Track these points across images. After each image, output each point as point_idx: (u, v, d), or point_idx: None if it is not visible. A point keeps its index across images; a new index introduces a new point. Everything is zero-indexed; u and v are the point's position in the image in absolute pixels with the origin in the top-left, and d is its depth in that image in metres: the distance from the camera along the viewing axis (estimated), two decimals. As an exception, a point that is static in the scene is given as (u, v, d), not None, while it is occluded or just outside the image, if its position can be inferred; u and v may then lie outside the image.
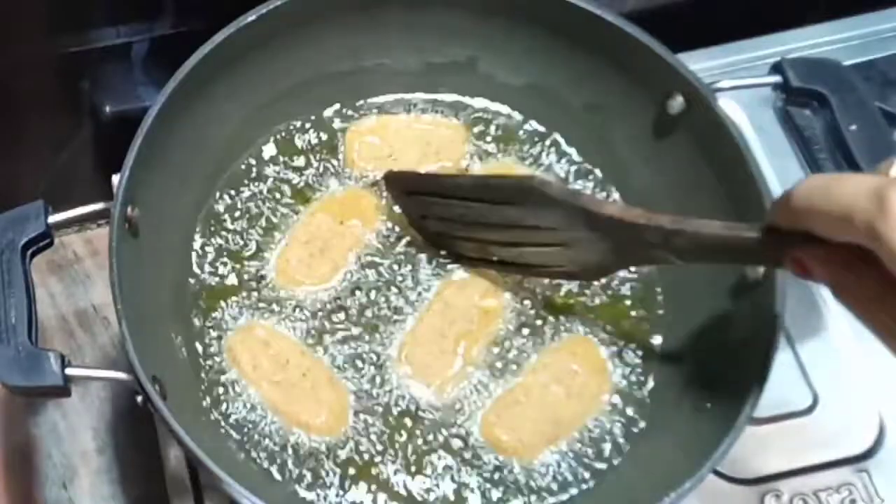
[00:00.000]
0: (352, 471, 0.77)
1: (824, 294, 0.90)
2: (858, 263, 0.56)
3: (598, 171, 0.87)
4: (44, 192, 0.78)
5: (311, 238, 0.84)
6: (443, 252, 0.83)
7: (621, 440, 0.78)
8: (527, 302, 0.82)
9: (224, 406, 0.78)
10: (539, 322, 0.82)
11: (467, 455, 0.77)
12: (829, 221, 0.55)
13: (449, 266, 0.83)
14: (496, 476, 0.77)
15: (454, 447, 0.78)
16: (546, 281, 0.83)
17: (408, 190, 0.83)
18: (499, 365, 0.80)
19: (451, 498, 0.76)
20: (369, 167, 0.87)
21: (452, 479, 0.77)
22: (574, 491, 0.77)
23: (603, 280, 0.83)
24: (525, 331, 0.82)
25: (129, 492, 0.93)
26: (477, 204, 0.77)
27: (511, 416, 0.78)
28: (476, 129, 0.89)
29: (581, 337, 0.82)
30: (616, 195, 0.87)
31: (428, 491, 0.76)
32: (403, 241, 0.84)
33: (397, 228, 0.84)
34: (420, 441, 0.78)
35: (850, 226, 0.53)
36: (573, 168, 0.88)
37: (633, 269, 0.84)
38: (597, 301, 0.83)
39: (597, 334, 0.82)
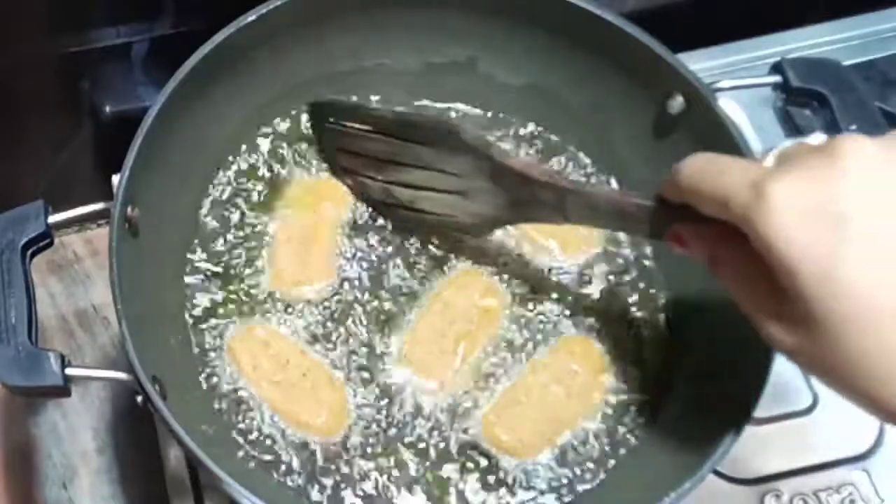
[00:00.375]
0: (352, 470, 0.77)
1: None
2: (733, 240, 0.58)
3: (598, 171, 0.88)
4: (44, 192, 0.78)
5: (294, 238, 0.84)
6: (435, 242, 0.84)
7: (621, 440, 0.78)
8: (527, 302, 0.82)
9: (224, 406, 0.78)
10: (539, 322, 0.82)
11: (467, 455, 0.77)
12: (709, 202, 0.58)
13: (448, 264, 0.83)
14: (496, 476, 0.77)
15: (454, 447, 0.78)
16: (546, 282, 0.83)
17: (328, 118, 0.85)
18: (499, 364, 0.80)
19: (451, 498, 0.76)
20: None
21: (452, 478, 0.77)
22: (574, 491, 0.77)
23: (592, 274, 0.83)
24: (525, 331, 0.82)
25: (129, 492, 0.93)
26: (392, 140, 0.80)
27: (511, 416, 0.78)
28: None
29: (580, 337, 0.82)
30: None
31: (428, 490, 0.76)
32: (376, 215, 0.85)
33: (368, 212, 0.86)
34: (420, 441, 0.78)
35: (727, 210, 0.56)
36: (573, 167, 0.88)
37: (633, 270, 0.84)
38: (597, 301, 0.83)
39: (596, 334, 0.82)
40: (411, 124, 0.80)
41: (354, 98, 0.89)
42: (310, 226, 0.84)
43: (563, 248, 0.84)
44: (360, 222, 0.85)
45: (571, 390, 0.79)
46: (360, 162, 0.84)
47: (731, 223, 0.57)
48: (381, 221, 0.85)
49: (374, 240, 0.84)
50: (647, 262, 0.84)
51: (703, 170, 0.60)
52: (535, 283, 0.83)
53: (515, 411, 0.78)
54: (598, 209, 0.69)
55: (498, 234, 0.84)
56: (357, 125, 0.82)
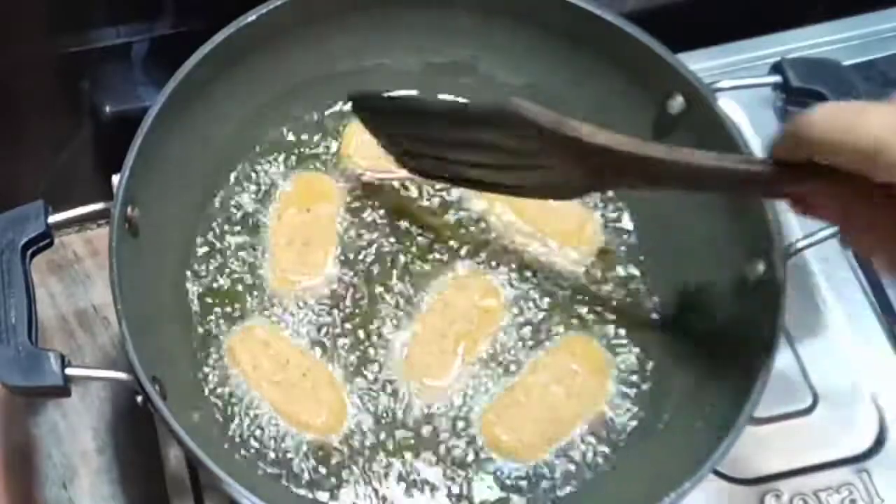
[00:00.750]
0: (352, 470, 0.77)
1: (824, 294, 0.90)
2: (869, 198, 0.53)
3: (598, 171, 0.88)
4: (44, 192, 0.78)
5: (291, 237, 0.84)
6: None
7: (621, 440, 0.78)
8: (527, 302, 0.82)
9: (224, 406, 0.78)
10: (539, 322, 0.82)
11: (467, 455, 0.77)
12: (851, 155, 0.51)
13: (448, 264, 0.83)
14: (495, 476, 0.77)
15: (454, 448, 0.78)
16: (546, 281, 0.83)
17: (377, 111, 0.81)
18: (499, 365, 0.80)
19: (451, 500, 0.76)
20: (363, 164, 0.87)
21: (451, 478, 0.77)
22: (574, 491, 0.77)
23: (600, 276, 0.83)
24: (525, 331, 0.82)
25: (129, 492, 0.93)
26: (448, 128, 0.75)
27: (511, 416, 0.78)
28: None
29: (581, 336, 0.82)
30: (618, 194, 0.87)
31: (428, 490, 0.76)
32: (371, 212, 0.85)
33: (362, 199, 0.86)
34: (420, 441, 0.78)
35: (875, 162, 0.50)
36: (573, 168, 0.88)
37: (634, 270, 0.84)
38: (597, 300, 0.83)
39: (597, 334, 0.82)
40: (465, 115, 0.75)
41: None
42: (307, 224, 0.84)
43: (562, 248, 0.84)
44: (356, 220, 0.85)
45: (571, 390, 0.79)
46: (415, 146, 0.79)
47: (868, 179, 0.51)
48: (377, 219, 0.85)
49: (371, 237, 0.84)
50: (646, 260, 0.84)
51: (839, 117, 0.52)
52: (535, 283, 0.83)
53: (515, 411, 0.78)
54: (697, 175, 0.64)
55: (496, 233, 0.84)
56: (409, 122, 0.78)
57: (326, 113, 0.89)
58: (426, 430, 0.78)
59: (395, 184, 0.87)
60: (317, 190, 0.86)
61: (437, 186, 0.86)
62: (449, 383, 0.79)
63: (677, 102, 0.81)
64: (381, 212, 0.86)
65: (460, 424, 0.78)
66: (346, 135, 0.88)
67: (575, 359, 0.80)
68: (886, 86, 0.99)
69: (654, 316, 0.83)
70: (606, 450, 0.78)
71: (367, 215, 0.85)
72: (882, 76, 1.00)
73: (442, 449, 0.77)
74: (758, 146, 0.92)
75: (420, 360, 0.80)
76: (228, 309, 0.82)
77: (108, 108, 1.07)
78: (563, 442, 0.78)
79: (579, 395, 0.79)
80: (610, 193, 0.87)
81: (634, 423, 0.79)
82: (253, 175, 0.87)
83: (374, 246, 0.84)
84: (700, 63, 0.91)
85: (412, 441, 0.78)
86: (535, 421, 0.78)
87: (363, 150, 0.87)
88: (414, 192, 0.86)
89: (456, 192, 0.86)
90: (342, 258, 0.84)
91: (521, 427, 0.78)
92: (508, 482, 0.77)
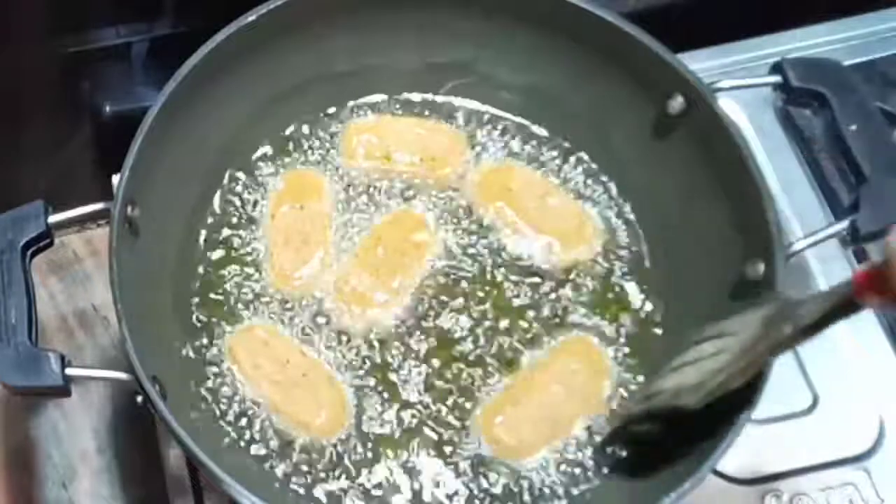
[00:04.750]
0: (352, 470, 0.77)
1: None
2: None
3: (598, 171, 0.88)
4: (44, 192, 0.78)
5: (288, 236, 0.84)
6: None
7: (622, 440, 0.78)
8: (528, 310, 0.82)
9: (224, 406, 0.78)
10: (538, 323, 0.82)
11: (467, 455, 0.77)
12: None
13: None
14: (496, 473, 0.77)
15: (455, 448, 0.78)
16: (547, 280, 0.83)
17: None
18: (498, 363, 0.80)
19: (452, 499, 0.76)
20: (364, 164, 0.87)
21: (451, 477, 0.77)
22: (575, 491, 0.76)
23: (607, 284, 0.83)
24: (525, 330, 0.82)
25: (129, 492, 0.93)
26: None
27: (511, 416, 0.78)
28: (476, 130, 0.89)
29: (581, 336, 0.82)
30: (617, 193, 0.87)
31: (426, 488, 0.76)
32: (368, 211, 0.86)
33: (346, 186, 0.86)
34: (421, 441, 0.78)
35: None
36: (573, 167, 0.88)
37: (634, 270, 0.84)
38: (598, 301, 0.83)
39: (597, 334, 0.82)
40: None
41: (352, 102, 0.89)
42: (302, 222, 0.84)
43: (562, 247, 0.84)
44: (351, 217, 0.85)
45: (572, 390, 0.79)
46: None
47: None
48: (366, 207, 0.86)
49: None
50: (646, 261, 0.84)
51: None
52: (535, 283, 0.83)
53: (515, 411, 0.78)
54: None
55: (494, 233, 0.85)
56: None
57: (326, 113, 0.89)
58: (425, 431, 0.78)
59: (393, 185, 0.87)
60: (309, 187, 0.86)
61: (436, 189, 0.87)
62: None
63: (677, 102, 0.81)
64: (380, 211, 0.86)
65: (460, 426, 0.78)
66: (345, 137, 0.88)
67: (575, 358, 0.80)
68: (886, 86, 0.99)
69: (656, 316, 0.83)
70: (607, 450, 0.78)
71: (365, 214, 0.85)
72: (882, 76, 1.00)
73: (443, 448, 0.77)
74: (758, 146, 0.92)
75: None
76: (228, 309, 0.82)
77: (108, 108, 1.07)
78: (562, 442, 0.78)
79: (580, 394, 0.79)
80: (609, 195, 0.87)
81: (634, 422, 0.78)
82: (252, 175, 0.87)
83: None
84: (700, 63, 0.91)
85: (412, 441, 0.78)
86: (535, 421, 0.78)
87: (361, 150, 0.87)
88: (411, 196, 0.87)
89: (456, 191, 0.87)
90: (340, 255, 0.84)
91: (520, 427, 0.78)
92: (508, 482, 0.77)
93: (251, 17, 0.80)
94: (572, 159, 0.88)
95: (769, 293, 0.74)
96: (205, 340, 0.81)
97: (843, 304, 0.63)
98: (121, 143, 0.75)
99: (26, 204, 0.76)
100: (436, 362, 0.80)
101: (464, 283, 0.83)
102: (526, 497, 0.76)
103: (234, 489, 0.67)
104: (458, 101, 0.90)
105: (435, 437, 0.78)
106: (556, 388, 0.79)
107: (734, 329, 0.70)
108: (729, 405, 0.70)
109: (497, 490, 0.76)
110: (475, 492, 0.76)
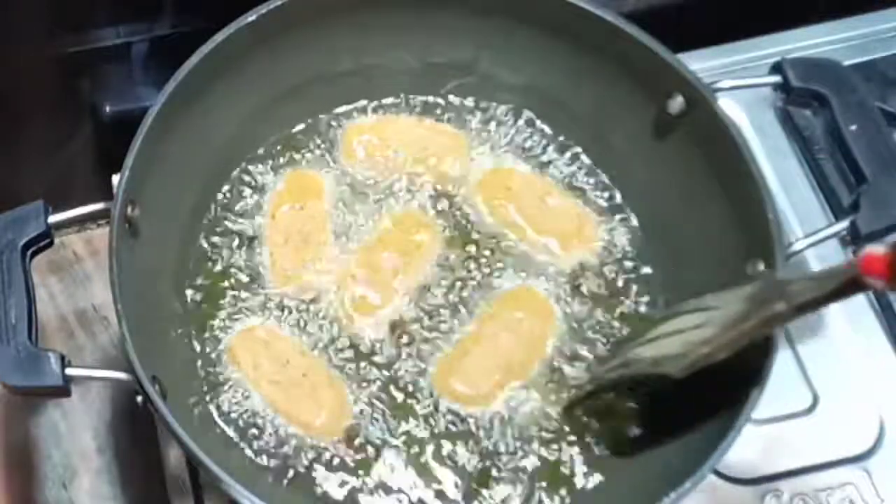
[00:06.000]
0: (352, 470, 0.77)
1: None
2: None
3: (598, 171, 0.88)
4: (44, 192, 0.78)
5: (288, 235, 0.84)
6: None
7: (623, 438, 0.78)
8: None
9: (224, 406, 0.78)
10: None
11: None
12: None
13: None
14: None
15: (454, 446, 0.78)
16: (546, 280, 0.83)
17: None
18: (449, 316, 0.81)
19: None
20: (364, 164, 0.87)
21: (453, 487, 0.77)
22: (575, 490, 0.77)
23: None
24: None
25: (129, 492, 0.93)
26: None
27: (465, 366, 0.79)
28: (476, 130, 0.89)
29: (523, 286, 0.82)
30: (617, 194, 0.87)
31: (428, 490, 0.76)
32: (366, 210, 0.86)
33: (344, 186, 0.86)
34: (420, 441, 0.78)
35: None
36: (573, 167, 0.88)
37: (634, 270, 0.84)
38: (598, 301, 0.83)
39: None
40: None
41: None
42: (302, 222, 0.84)
43: (562, 247, 0.84)
44: (348, 216, 0.85)
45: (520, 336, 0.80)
46: None
47: None
48: (366, 207, 0.86)
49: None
50: (646, 261, 0.84)
51: None
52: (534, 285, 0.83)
53: (468, 361, 0.79)
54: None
55: (494, 233, 0.85)
56: None
57: (326, 113, 0.89)
58: (426, 428, 0.78)
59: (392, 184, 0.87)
60: (309, 187, 0.86)
61: (436, 189, 0.87)
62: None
63: (677, 102, 0.81)
64: (378, 211, 0.86)
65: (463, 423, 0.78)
66: (346, 138, 0.88)
67: (520, 307, 0.81)
68: (886, 86, 0.99)
69: (655, 316, 0.83)
70: (611, 448, 0.78)
71: (365, 214, 0.85)
72: (882, 76, 1.00)
73: (444, 446, 0.78)
74: (758, 146, 0.92)
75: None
76: (228, 309, 0.82)
77: (108, 108, 1.07)
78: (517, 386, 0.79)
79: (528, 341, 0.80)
80: (610, 195, 0.87)
81: (634, 423, 0.79)
82: (252, 174, 0.87)
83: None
84: (700, 63, 0.91)
85: (413, 441, 0.78)
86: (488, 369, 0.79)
87: (361, 150, 0.87)
88: (410, 196, 0.87)
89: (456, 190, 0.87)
90: (340, 253, 0.84)
91: (475, 375, 0.79)
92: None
93: (251, 17, 0.80)
94: (572, 159, 0.88)
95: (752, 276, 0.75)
96: (205, 340, 0.81)
97: (845, 286, 0.62)
98: (121, 143, 0.75)
99: (26, 204, 0.76)
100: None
101: (464, 283, 0.83)
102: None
103: (234, 489, 0.67)
104: (458, 101, 0.90)
105: (450, 445, 0.78)
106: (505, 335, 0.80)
107: (717, 304, 0.71)
108: (729, 405, 0.70)
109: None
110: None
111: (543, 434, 0.78)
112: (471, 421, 0.78)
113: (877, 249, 0.60)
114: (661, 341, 0.74)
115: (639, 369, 0.75)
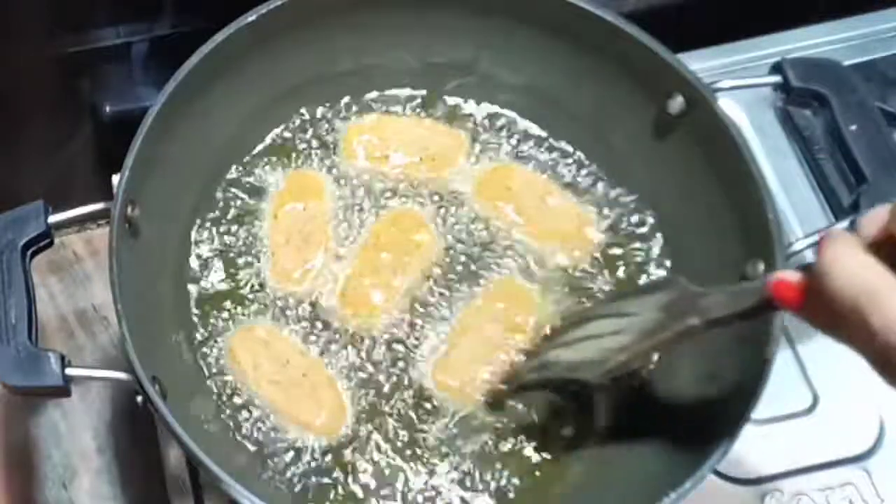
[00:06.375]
0: (352, 469, 0.77)
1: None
2: None
3: (598, 171, 0.88)
4: (44, 192, 0.78)
5: (289, 236, 0.84)
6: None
7: (624, 439, 0.78)
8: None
9: (224, 406, 0.78)
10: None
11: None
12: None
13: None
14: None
15: (454, 444, 0.78)
16: (548, 280, 0.83)
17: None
18: (449, 316, 0.81)
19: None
20: (364, 164, 0.87)
21: (451, 473, 0.77)
22: (577, 489, 0.77)
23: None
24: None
25: (129, 492, 0.93)
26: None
27: (466, 366, 0.79)
28: (476, 130, 0.89)
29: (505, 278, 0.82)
30: (617, 194, 0.87)
31: (430, 491, 0.77)
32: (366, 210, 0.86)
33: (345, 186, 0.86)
34: (422, 442, 0.78)
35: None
36: (573, 167, 0.88)
37: (634, 270, 0.84)
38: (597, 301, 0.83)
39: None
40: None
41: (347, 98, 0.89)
42: (303, 222, 0.84)
43: (562, 247, 0.85)
44: (348, 216, 0.85)
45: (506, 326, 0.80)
46: None
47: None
48: (366, 207, 0.86)
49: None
50: (646, 261, 0.84)
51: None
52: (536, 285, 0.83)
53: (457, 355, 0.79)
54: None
55: (494, 233, 0.85)
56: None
57: (326, 113, 0.89)
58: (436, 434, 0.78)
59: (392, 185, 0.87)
60: (309, 187, 0.86)
61: (436, 190, 0.87)
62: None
63: (677, 102, 0.81)
64: (378, 211, 0.86)
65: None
66: (346, 137, 0.88)
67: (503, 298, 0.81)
68: (886, 86, 0.99)
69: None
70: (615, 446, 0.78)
71: (365, 214, 0.85)
72: (882, 76, 1.00)
73: (446, 445, 0.78)
74: (758, 146, 0.92)
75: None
76: (228, 309, 0.82)
77: (108, 108, 1.07)
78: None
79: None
80: (609, 195, 0.87)
81: (636, 424, 0.79)
82: (252, 174, 0.87)
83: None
84: (700, 63, 0.91)
85: (413, 441, 0.78)
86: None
87: (361, 150, 0.87)
88: (410, 196, 0.87)
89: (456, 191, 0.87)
90: (341, 253, 0.84)
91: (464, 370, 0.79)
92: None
93: (251, 17, 0.80)
94: (572, 159, 0.88)
95: (666, 278, 0.78)
96: (205, 340, 0.81)
97: (758, 306, 0.62)
98: (121, 143, 0.75)
99: (26, 204, 0.76)
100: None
101: (464, 283, 0.83)
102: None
103: (234, 489, 0.67)
104: (457, 101, 0.90)
105: (450, 443, 0.78)
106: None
107: (632, 310, 0.71)
108: (729, 405, 0.71)
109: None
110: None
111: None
112: (475, 417, 0.78)
113: (790, 276, 0.59)
114: (578, 345, 0.74)
115: (555, 373, 0.75)
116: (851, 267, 0.54)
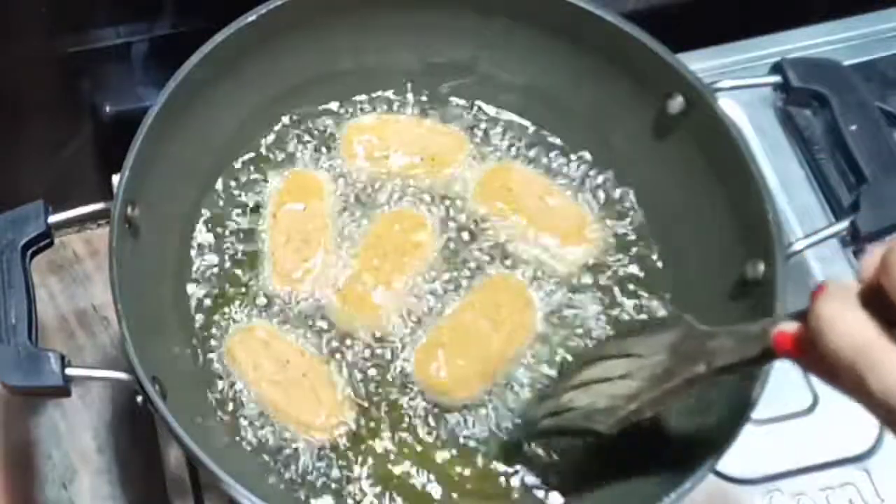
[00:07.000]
0: (352, 470, 0.77)
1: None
2: None
3: (598, 171, 0.88)
4: (44, 192, 0.78)
5: (289, 236, 0.84)
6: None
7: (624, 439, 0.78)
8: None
9: (224, 406, 0.78)
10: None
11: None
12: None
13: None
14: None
15: (454, 442, 0.78)
16: (547, 280, 0.83)
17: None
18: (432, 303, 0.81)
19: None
20: (364, 164, 0.87)
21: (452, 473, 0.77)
22: (578, 490, 0.77)
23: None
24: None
25: (129, 492, 0.93)
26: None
27: (465, 365, 0.78)
28: (476, 130, 0.89)
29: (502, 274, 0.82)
30: (617, 194, 0.87)
31: (430, 492, 0.77)
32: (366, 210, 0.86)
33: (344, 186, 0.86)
34: (422, 442, 0.78)
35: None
36: (573, 167, 0.88)
37: (634, 270, 0.84)
38: (597, 301, 0.83)
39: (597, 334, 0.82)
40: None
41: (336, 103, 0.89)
42: (303, 222, 0.84)
43: (562, 247, 0.84)
44: (348, 216, 0.85)
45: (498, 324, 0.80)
46: None
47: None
48: (366, 207, 0.86)
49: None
50: (646, 261, 0.84)
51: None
52: (536, 285, 0.83)
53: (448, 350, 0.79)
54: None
55: (494, 233, 0.85)
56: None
57: (326, 113, 0.89)
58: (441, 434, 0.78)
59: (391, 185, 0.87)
60: (309, 186, 0.86)
61: (436, 190, 0.87)
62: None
63: (677, 102, 0.81)
64: (378, 211, 0.86)
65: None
66: (346, 137, 0.88)
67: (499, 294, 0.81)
68: (886, 86, 0.99)
69: (656, 316, 0.83)
70: (617, 446, 0.78)
71: (365, 214, 0.85)
72: (882, 76, 1.00)
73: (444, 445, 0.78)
74: (758, 146, 0.92)
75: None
76: (228, 309, 0.82)
77: (108, 108, 1.07)
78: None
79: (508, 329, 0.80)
80: (609, 195, 0.87)
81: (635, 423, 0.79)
82: (252, 174, 0.87)
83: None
84: (700, 63, 0.91)
85: (413, 439, 0.78)
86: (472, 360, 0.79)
87: (361, 150, 0.87)
88: (410, 196, 0.87)
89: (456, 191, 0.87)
90: (341, 252, 0.84)
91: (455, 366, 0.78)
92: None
93: (251, 17, 0.80)
94: (572, 159, 0.88)
95: (672, 316, 0.76)
96: (205, 340, 0.81)
97: (761, 356, 0.61)
98: (121, 143, 0.75)
99: (26, 204, 0.76)
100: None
101: (464, 283, 0.83)
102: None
103: (234, 489, 0.67)
104: (457, 101, 0.90)
105: (449, 441, 0.78)
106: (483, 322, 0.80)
107: (640, 351, 0.69)
108: (729, 405, 0.71)
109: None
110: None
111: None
112: (473, 415, 0.78)
113: (787, 327, 0.57)
114: (588, 389, 0.71)
115: (570, 420, 0.72)
116: (846, 326, 0.52)
